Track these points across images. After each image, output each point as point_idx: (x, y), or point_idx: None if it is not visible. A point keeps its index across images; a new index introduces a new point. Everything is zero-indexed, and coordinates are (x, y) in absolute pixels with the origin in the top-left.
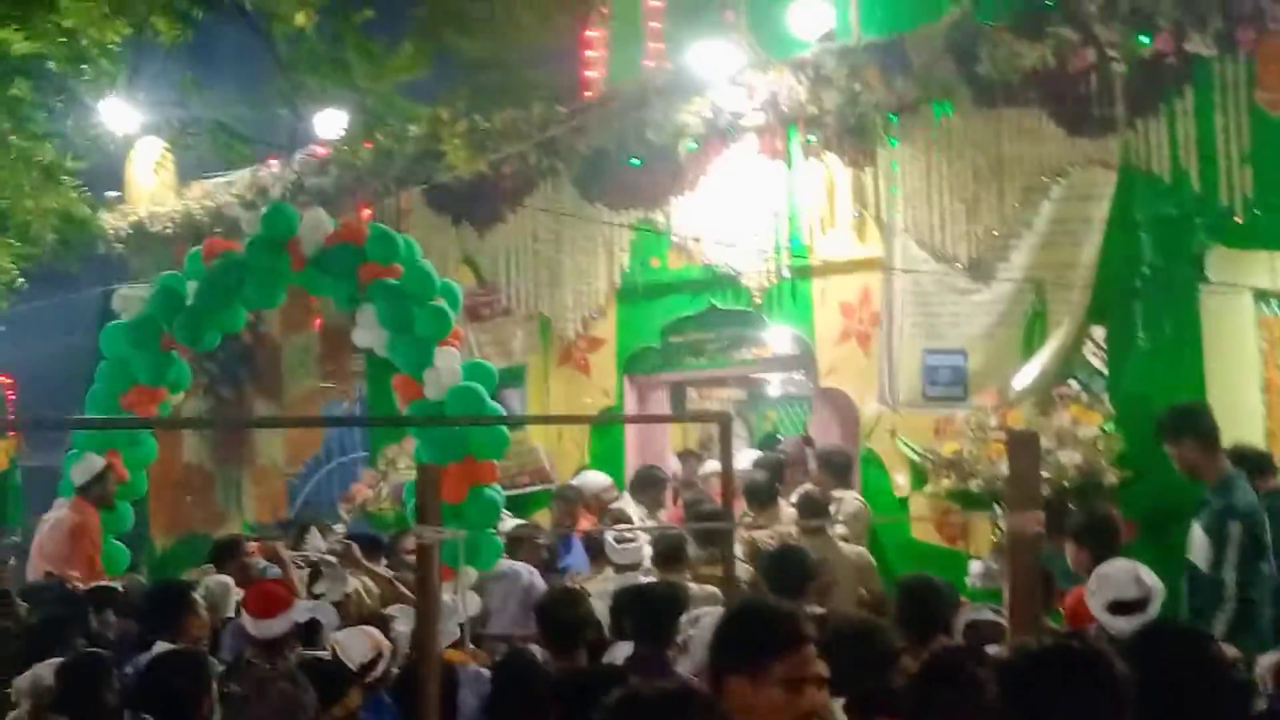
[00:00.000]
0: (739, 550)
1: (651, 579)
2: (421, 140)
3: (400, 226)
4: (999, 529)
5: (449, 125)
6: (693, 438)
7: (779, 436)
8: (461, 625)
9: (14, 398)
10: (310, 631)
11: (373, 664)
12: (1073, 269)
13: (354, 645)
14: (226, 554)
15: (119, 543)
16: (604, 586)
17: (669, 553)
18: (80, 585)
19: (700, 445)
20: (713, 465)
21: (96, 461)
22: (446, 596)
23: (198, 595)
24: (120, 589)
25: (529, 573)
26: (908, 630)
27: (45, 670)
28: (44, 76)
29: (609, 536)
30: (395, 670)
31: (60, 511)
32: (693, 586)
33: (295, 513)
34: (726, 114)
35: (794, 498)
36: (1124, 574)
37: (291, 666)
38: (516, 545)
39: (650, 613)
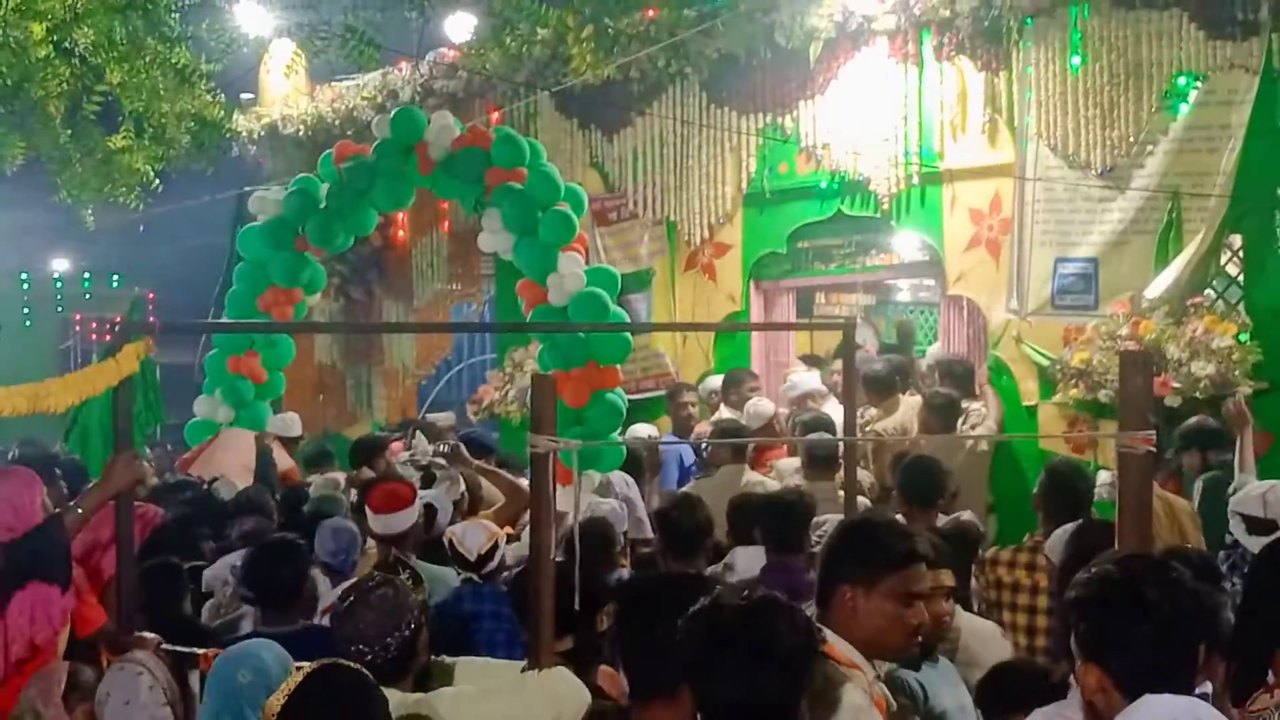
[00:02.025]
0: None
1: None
2: (549, 44)
3: (527, 130)
4: None
5: (575, 30)
6: (820, 344)
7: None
8: (624, 534)
9: (153, 297)
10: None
11: (490, 554)
12: (1210, 176)
13: (471, 536)
14: (371, 453)
15: None
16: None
17: (826, 458)
18: None
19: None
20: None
21: (297, 424)
22: (612, 503)
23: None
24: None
25: (625, 482)
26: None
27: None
28: None
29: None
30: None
31: (253, 437)
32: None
33: (419, 414)
34: (858, 17)
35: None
36: (1253, 491)
37: (389, 576)
38: None
39: (782, 521)
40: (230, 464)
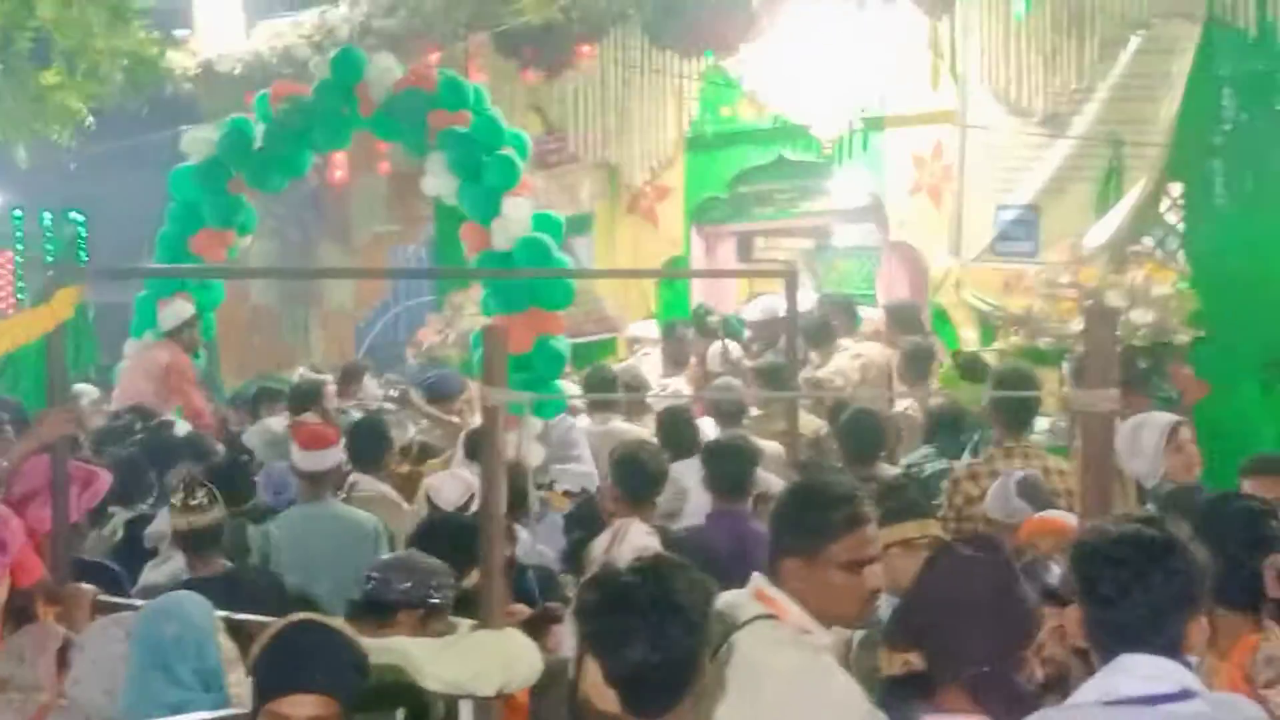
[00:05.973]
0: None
1: None
2: None
3: (467, 71)
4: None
5: None
6: (761, 288)
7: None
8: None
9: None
10: None
11: (466, 506)
12: (1151, 124)
13: (448, 488)
14: (309, 398)
15: None
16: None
17: (732, 410)
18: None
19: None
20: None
21: (185, 307)
22: (585, 468)
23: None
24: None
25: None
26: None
27: None
28: None
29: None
30: None
31: (148, 351)
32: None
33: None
34: None
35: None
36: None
37: None
38: None
39: (725, 467)
40: (138, 388)
